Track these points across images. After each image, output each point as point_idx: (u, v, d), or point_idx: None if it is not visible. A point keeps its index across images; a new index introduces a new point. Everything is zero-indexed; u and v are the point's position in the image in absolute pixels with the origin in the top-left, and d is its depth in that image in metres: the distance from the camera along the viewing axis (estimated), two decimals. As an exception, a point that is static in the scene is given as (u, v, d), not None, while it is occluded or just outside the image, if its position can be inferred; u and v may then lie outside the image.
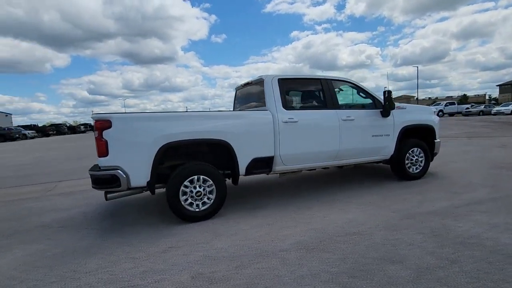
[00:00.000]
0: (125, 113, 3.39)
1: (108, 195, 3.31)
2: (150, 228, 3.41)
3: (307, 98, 4.59)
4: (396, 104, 4.89)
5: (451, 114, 33.36)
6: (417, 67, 68.51)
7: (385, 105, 4.45)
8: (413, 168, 4.94)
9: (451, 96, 77.29)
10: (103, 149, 3.13)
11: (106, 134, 3.13)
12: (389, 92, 4.41)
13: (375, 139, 4.56)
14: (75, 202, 4.77)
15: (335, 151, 4.28)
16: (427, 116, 5.10)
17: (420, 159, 4.98)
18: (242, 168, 3.74)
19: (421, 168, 5.00)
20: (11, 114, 54.22)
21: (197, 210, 3.51)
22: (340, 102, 4.82)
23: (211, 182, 3.55)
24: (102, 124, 3.12)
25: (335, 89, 4.71)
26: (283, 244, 2.80)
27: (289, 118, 3.95)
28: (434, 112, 5.30)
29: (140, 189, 3.40)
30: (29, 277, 2.44)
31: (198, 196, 3.48)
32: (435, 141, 5.12)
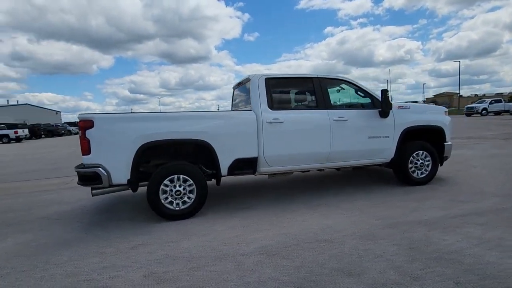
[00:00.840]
0: (107, 113, 3.54)
1: (93, 191, 3.49)
2: (133, 224, 3.53)
3: (296, 98, 4.45)
4: (399, 103, 4.57)
5: (497, 113, 30.36)
6: (459, 61, 63.00)
7: (382, 105, 4.17)
8: (417, 173, 4.58)
9: (501, 93, 70.36)
10: (86, 148, 3.31)
11: (88, 133, 3.30)
12: (385, 91, 4.12)
13: (372, 141, 4.30)
14: (81, 196, 5.09)
15: (326, 153, 4.10)
16: (435, 116, 4.69)
17: (426, 163, 4.60)
18: (224, 168, 3.74)
19: (427, 173, 4.62)
20: (60, 111, 59.34)
21: (177, 209, 3.57)
22: (338, 102, 4.64)
23: (191, 182, 3.59)
24: (85, 124, 3.29)
25: (337, 89, 4.52)
26: (247, 248, 2.75)
27: (274, 119, 3.86)
28: (445, 112, 4.86)
29: (123, 186, 3.53)
30: (7, 265, 2.65)
31: (177, 195, 3.54)
32: (445, 143, 4.70)
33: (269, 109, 3.89)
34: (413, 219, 3.25)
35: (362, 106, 4.48)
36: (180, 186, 3.55)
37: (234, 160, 3.76)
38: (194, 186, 3.60)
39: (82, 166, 3.39)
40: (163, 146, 3.58)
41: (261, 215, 3.62)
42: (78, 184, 3.46)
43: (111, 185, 3.42)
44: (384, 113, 4.28)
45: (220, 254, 2.67)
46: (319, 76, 4.25)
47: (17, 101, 54.90)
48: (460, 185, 4.57)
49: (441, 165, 4.88)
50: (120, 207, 4.35)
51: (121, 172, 3.38)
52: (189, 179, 3.58)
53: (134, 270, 2.45)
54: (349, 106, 4.57)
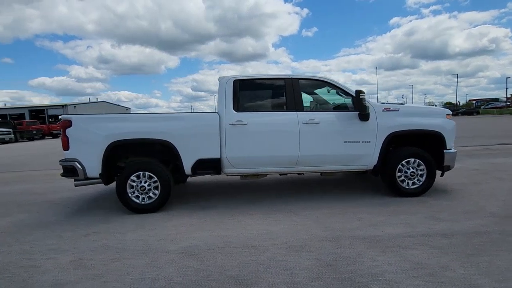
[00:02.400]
0: (84, 114, 3.98)
1: (75, 183, 3.98)
2: (105, 214, 3.92)
3: (265, 100, 4.34)
4: (385, 105, 4.14)
5: None
6: None
7: (356, 107, 3.83)
8: (408, 183, 4.10)
9: None
10: (65, 144, 3.79)
11: (67, 132, 3.77)
12: (359, 92, 3.77)
13: (349, 146, 3.98)
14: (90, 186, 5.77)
15: (294, 157, 3.95)
16: (432, 120, 4.11)
17: (419, 172, 4.08)
18: (187, 168, 3.89)
19: (420, 183, 4.10)
20: (130, 108, 66.74)
21: (143, 203, 3.85)
22: (319, 103, 4.43)
23: (156, 178, 3.84)
24: (64, 124, 3.78)
25: (326, 89, 4.32)
26: (174, 246, 2.87)
27: (237, 121, 3.86)
28: (448, 115, 4.21)
29: (97, 179, 3.94)
30: (-11, 239, 3.24)
31: (142, 190, 3.83)
32: (445, 151, 4.10)
33: (233, 111, 3.91)
34: (363, 234, 2.97)
35: (344, 108, 4.18)
36: (145, 182, 3.83)
37: (197, 160, 3.89)
38: (158, 183, 3.85)
39: (64, 160, 3.90)
40: (131, 145, 3.89)
41: (217, 216, 3.69)
42: (61, 175, 3.98)
43: (86, 178, 3.86)
44: (364, 116, 3.93)
45: (147, 249, 2.84)
46: (292, 76, 4.10)
47: (97, 98, 63.20)
48: (460, 200, 3.95)
49: (441, 175, 4.28)
50: (110, 197, 4.83)
51: (94, 166, 3.79)
52: (154, 176, 3.83)
53: (68, 255, 2.77)
54: (328, 108, 4.29)
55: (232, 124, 3.86)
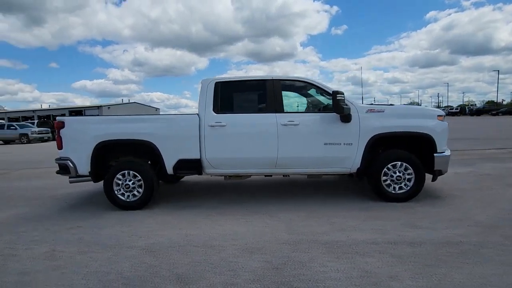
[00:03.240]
0: (75, 116, 4.26)
1: (69, 180, 4.27)
2: (95, 210, 4.16)
3: (246, 101, 4.34)
4: (370, 106, 3.99)
5: None
6: None
7: (333, 108, 3.73)
8: (394, 187, 3.91)
9: None
10: (59, 144, 4.09)
11: (61, 132, 4.07)
12: (336, 93, 3.66)
13: (329, 148, 3.88)
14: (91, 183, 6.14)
15: (273, 158, 3.94)
16: (420, 122, 3.87)
17: (407, 176, 3.88)
18: (169, 167, 4.03)
19: (407, 188, 3.90)
20: (159, 108, 69.47)
21: (128, 200, 4.05)
22: (303, 105, 4.38)
23: (139, 177, 4.02)
24: (58, 125, 4.08)
25: (309, 91, 4.28)
26: (138, 243, 3.00)
27: (216, 122, 3.93)
28: (439, 116, 3.94)
29: (87, 177, 4.20)
30: (-12, 229, 3.59)
31: (127, 188, 4.02)
32: (435, 155, 3.85)
33: (213, 113, 3.98)
34: (327, 239, 2.90)
35: (326, 110, 4.08)
36: (130, 180, 4.02)
37: (178, 161, 4.01)
38: (142, 182, 4.02)
39: (58, 158, 4.21)
40: (118, 145, 4.10)
41: (194, 215, 3.77)
42: (56, 173, 4.30)
43: (78, 175, 4.14)
44: (345, 117, 3.82)
45: (115, 244, 3.00)
46: (274, 77, 4.08)
47: (129, 100, 66.60)
48: (450, 207, 3.70)
49: (432, 180, 4.04)
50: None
51: (83, 165, 4.05)
52: (138, 175, 4.01)
53: (45, 246, 3.00)
54: (309, 109, 4.21)
55: (211, 126, 3.93)
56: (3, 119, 42.93)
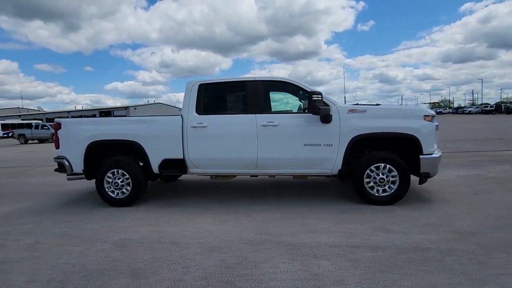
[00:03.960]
0: (70, 118, 4.54)
1: (67, 177, 4.57)
2: (91, 206, 4.40)
3: (228, 103, 4.38)
4: (351, 106, 3.89)
5: None
6: None
7: (309, 109, 3.68)
8: (378, 190, 3.80)
9: None
10: (56, 143, 4.39)
11: (58, 133, 4.36)
12: (312, 93, 3.60)
13: (309, 149, 3.84)
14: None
15: (253, 159, 3.96)
16: (404, 122, 3.72)
17: (391, 179, 3.75)
18: (154, 167, 4.19)
19: (392, 191, 3.76)
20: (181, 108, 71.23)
21: (117, 197, 4.26)
22: (287, 105, 4.38)
23: (128, 176, 4.22)
24: (55, 126, 4.37)
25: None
26: (113, 238, 3.16)
27: (198, 123, 4.03)
28: (426, 117, 3.75)
29: (81, 174, 4.47)
30: (-9, 221, 3.95)
31: (116, 186, 4.24)
32: (421, 156, 3.69)
33: (196, 114, 4.08)
34: (291, 240, 2.89)
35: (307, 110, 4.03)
36: (118, 179, 4.23)
37: (163, 160, 4.16)
38: (130, 180, 4.22)
39: (56, 157, 4.52)
40: (109, 145, 4.32)
41: (175, 214, 3.89)
42: (54, 171, 4.61)
43: (73, 173, 4.42)
44: (325, 118, 3.76)
45: (92, 238, 3.18)
46: (256, 78, 4.10)
47: (154, 100, 69.13)
48: (433, 211, 3.53)
49: (419, 183, 3.87)
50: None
51: (78, 163, 4.32)
52: (126, 173, 4.22)
53: (32, 238, 3.26)
54: (290, 110, 4.18)
55: (193, 127, 4.04)
56: (41, 119, 46.30)
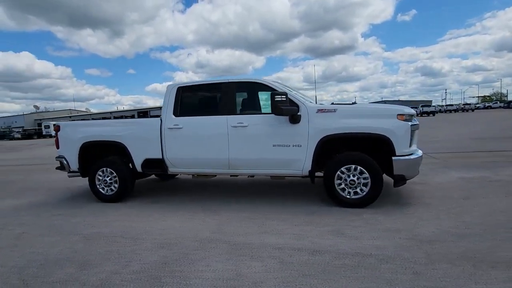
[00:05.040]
0: (68, 121, 4.97)
1: (68, 174, 5.04)
2: (86, 202, 4.81)
3: (203, 105, 4.46)
4: (321, 106, 3.80)
5: None
6: None
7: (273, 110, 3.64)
8: (349, 192, 3.67)
9: None
10: (57, 144, 4.86)
11: (58, 134, 4.83)
12: (274, 94, 3.56)
13: (278, 150, 3.83)
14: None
15: (225, 159, 4.05)
16: (375, 122, 3.53)
17: (362, 181, 3.61)
18: (137, 166, 4.46)
19: (363, 193, 3.62)
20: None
21: (107, 194, 4.62)
22: (262, 106, 4.40)
23: (115, 174, 4.54)
24: (56, 128, 4.85)
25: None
26: (86, 231, 3.45)
27: (174, 125, 4.20)
28: (401, 115, 3.52)
29: (78, 172, 4.88)
30: None
31: (105, 183, 4.59)
32: (394, 158, 3.49)
33: (173, 116, 4.26)
34: (239, 240, 2.94)
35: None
36: (107, 177, 4.58)
37: (145, 160, 4.41)
38: (117, 178, 4.54)
39: (57, 156, 4.99)
40: (98, 146, 4.68)
41: (155, 210, 4.12)
42: (55, 169, 5.10)
43: (72, 171, 4.86)
44: (292, 119, 3.72)
45: (69, 231, 3.50)
46: (229, 80, 4.17)
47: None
48: (401, 216, 3.33)
49: (394, 186, 3.66)
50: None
51: (74, 162, 4.75)
52: (114, 172, 4.54)
53: (22, 229, 3.67)
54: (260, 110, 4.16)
55: (170, 128, 4.23)
56: (89, 120, 50.70)
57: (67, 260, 2.74)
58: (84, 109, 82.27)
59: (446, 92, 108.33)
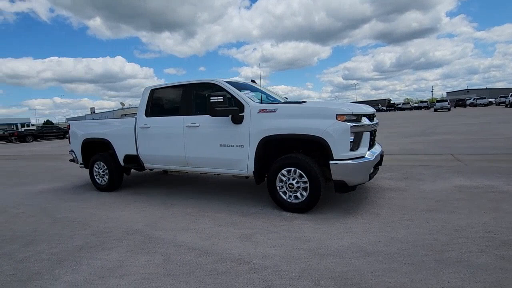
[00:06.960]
0: (75, 121, 5.78)
1: (79, 165, 5.92)
2: (88, 191, 5.63)
3: (167, 106, 4.65)
4: (263, 106, 3.68)
5: None
6: None
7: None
8: (290, 196, 3.52)
9: None
10: (69, 140, 5.77)
11: (69, 132, 5.72)
12: (210, 95, 3.56)
13: (224, 150, 3.86)
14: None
15: (182, 157, 4.26)
16: (311, 122, 3.27)
17: (302, 185, 3.43)
18: (120, 160, 5.02)
19: (303, 198, 3.43)
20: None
21: (102, 184, 5.32)
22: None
23: (106, 167, 5.20)
24: (68, 126, 5.75)
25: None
26: (63, 215, 4.08)
27: (144, 124, 4.59)
28: (341, 115, 3.16)
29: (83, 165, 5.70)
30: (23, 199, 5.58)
31: (99, 175, 5.29)
32: (331, 162, 3.21)
33: (144, 116, 4.65)
34: (156, 235, 3.15)
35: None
36: (100, 169, 5.27)
37: (125, 156, 4.93)
38: (107, 171, 5.19)
39: (70, 151, 5.91)
40: (94, 142, 5.39)
41: (130, 201, 4.58)
42: (69, 161, 6.03)
43: (80, 164, 5.71)
44: (234, 119, 3.71)
45: (50, 213, 4.19)
46: (190, 82, 4.34)
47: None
48: (330, 226, 3.07)
49: (335, 191, 3.36)
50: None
51: (79, 156, 5.59)
52: (105, 165, 5.20)
53: (22, 209, 4.52)
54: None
55: (141, 128, 4.64)
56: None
57: (22, 237, 3.34)
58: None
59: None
